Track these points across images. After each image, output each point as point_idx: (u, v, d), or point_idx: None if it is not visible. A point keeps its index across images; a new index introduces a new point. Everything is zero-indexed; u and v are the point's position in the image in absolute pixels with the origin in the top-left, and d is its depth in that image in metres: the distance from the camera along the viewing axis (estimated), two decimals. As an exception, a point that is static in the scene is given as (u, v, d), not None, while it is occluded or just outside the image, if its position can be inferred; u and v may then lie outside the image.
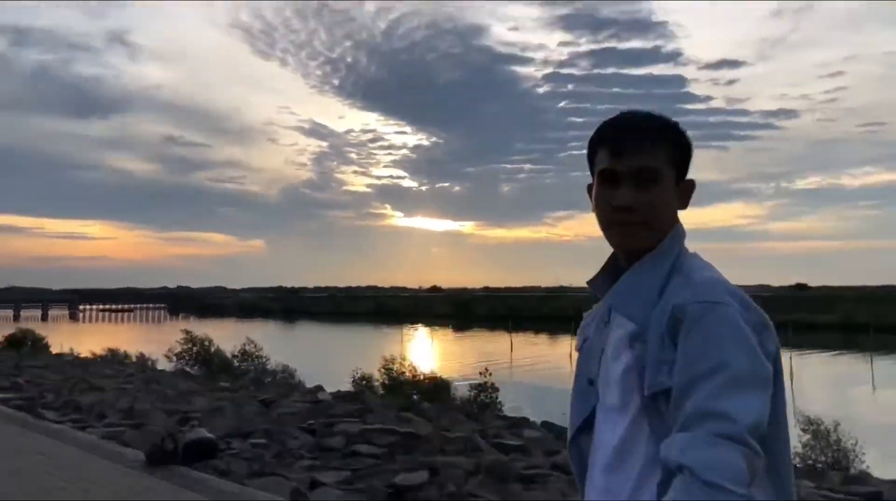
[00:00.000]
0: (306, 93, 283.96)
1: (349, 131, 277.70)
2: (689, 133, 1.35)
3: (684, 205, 1.34)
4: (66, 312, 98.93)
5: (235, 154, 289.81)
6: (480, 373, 14.99)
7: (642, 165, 1.28)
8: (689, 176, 1.36)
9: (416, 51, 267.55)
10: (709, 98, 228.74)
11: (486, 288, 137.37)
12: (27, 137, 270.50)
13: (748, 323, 1.13)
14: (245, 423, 8.60)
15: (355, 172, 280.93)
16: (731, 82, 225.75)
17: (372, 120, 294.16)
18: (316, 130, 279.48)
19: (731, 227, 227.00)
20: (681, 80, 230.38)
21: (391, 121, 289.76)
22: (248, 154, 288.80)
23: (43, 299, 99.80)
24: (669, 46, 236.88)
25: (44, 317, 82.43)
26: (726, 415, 1.04)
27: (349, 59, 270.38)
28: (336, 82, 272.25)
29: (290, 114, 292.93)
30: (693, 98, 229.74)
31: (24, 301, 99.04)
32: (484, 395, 14.36)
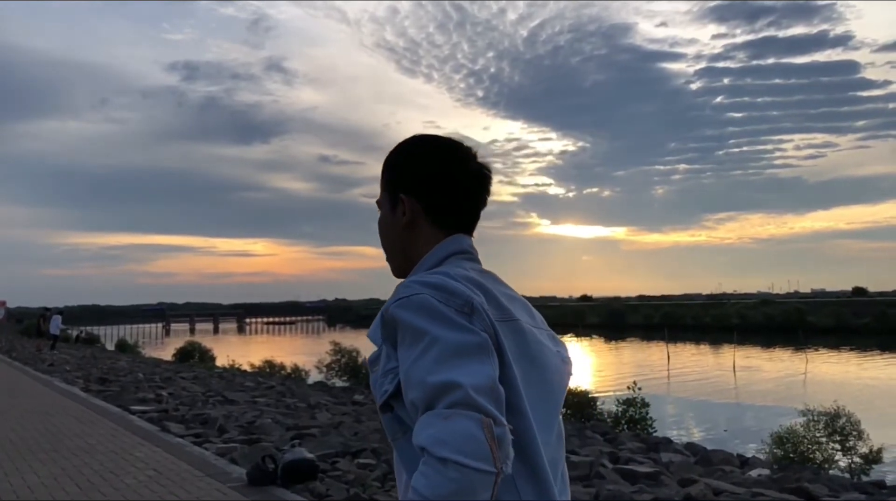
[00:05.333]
0: (451, 106, 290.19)
1: (493, 141, 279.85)
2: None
3: (404, 221, 1.33)
4: (235, 325, 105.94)
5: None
6: (629, 387, 14.07)
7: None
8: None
9: (560, 55, 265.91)
10: (887, 83, 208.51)
11: (641, 297, 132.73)
12: (198, 163, 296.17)
13: (451, 306, 1.10)
14: (358, 440, 8.10)
15: (500, 182, 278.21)
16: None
17: (516, 128, 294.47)
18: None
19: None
20: (852, 66, 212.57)
21: (535, 129, 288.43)
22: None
23: (214, 313, 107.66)
24: (838, 29, 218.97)
25: (215, 330, 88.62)
26: (450, 383, 0.99)
27: (492, 70, 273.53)
28: (480, 93, 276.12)
29: (435, 128, 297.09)
30: (868, 84, 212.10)
31: (197, 315, 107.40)
32: (633, 410, 13.39)
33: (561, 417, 1.31)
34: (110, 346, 41.37)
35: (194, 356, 29.85)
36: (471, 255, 1.33)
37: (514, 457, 1.04)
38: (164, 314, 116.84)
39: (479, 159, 1.37)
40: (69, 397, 12.63)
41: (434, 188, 1.32)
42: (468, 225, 1.36)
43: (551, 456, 1.19)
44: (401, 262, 1.36)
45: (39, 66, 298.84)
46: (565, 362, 1.32)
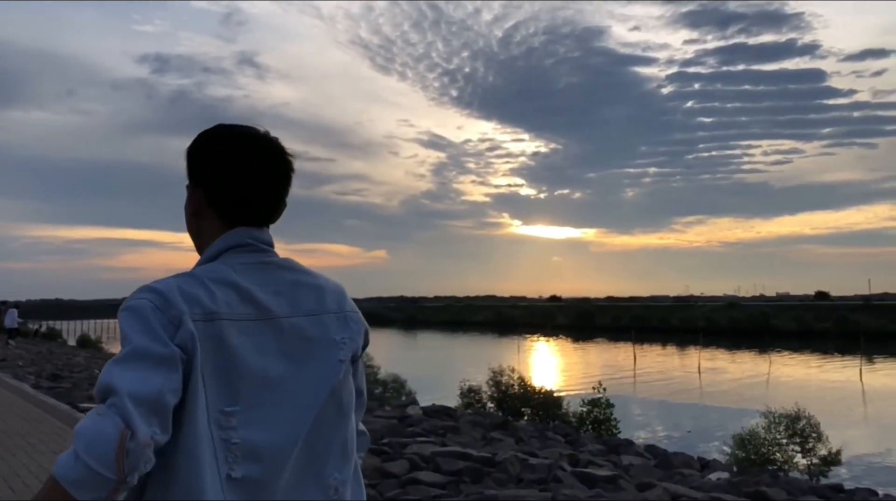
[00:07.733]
0: (425, 105, 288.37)
1: (467, 141, 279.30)
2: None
3: (190, 210, 1.37)
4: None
5: (358, 167, 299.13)
6: (594, 388, 14.06)
7: None
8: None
9: (534, 57, 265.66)
10: (852, 92, 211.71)
11: (610, 298, 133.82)
12: (167, 157, 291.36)
13: (165, 315, 1.13)
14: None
15: (473, 182, 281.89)
16: (877, 73, 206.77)
17: (489, 129, 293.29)
18: (435, 142, 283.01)
19: (879, 230, 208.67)
20: (819, 74, 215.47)
21: (508, 129, 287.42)
22: (370, 167, 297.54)
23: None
24: (805, 38, 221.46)
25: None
26: (112, 386, 1.04)
27: (466, 69, 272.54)
28: (454, 93, 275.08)
29: (409, 126, 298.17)
30: (834, 93, 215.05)
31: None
32: (597, 411, 13.38)
33: (343, 405, 1.30)
34: (72, 341, 40.50)
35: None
36: (253, 247, 1.30)
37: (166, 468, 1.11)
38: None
39: (284, 152, 1.34)
40: (17, 394, 12.19)
41: (216, 180, 1.31)
42: (256, 218, 1.33)
43: (299, 458, 1.21)
44: (198, 249, 1.37)
45: (2, 54, 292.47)
46: (340, 347, 1.31)
